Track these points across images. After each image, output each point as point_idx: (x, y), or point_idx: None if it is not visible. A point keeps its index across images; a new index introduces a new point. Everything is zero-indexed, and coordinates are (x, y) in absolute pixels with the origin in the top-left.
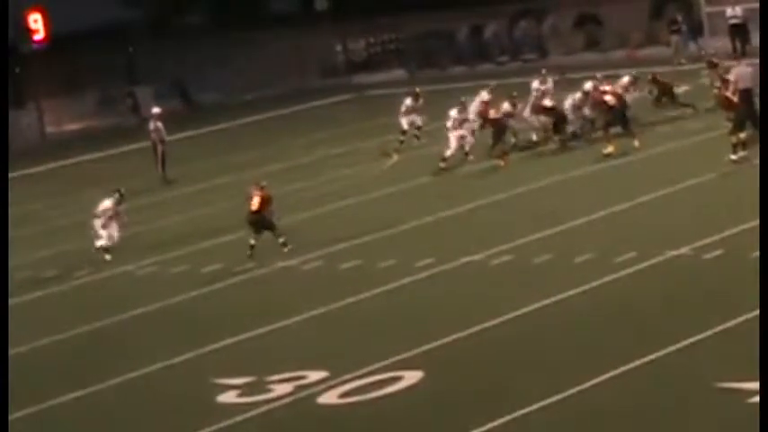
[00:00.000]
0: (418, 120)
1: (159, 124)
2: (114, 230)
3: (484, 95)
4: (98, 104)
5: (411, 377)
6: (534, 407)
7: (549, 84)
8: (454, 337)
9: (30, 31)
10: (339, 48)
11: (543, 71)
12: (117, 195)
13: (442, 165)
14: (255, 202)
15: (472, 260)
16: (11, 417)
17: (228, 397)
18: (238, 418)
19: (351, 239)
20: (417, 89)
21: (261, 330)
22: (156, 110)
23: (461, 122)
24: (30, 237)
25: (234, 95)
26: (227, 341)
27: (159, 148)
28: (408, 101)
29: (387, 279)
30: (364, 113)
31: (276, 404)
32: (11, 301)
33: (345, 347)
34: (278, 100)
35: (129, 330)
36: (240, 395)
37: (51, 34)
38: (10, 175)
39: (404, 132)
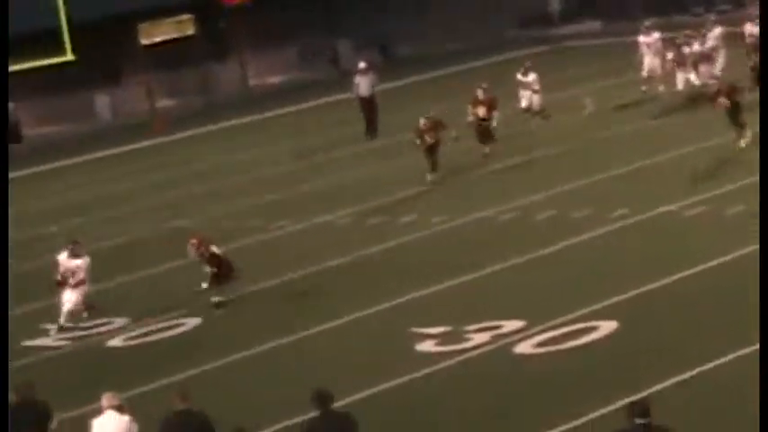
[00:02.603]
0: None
1: (362, 78)
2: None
3: None
4: (299, 58)
5: (606, 327)
6: (723, 360)
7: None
8: (649, 287)
9: None
10: None
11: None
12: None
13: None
14: (481, 111)
15: (668, 210)
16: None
17: (426, 346)
18: (436, 367)
19: (546, 190)
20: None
21: (457, 280)
22: (362, 65)
23: None
24: (233, 187)
25: (432, 47)
26: (424, 291)
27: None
28: None
29: (581, 229)
30: (560, 65)
31: (473, 353)
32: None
33: (541, 297)
34: (476, 52)
35: (329, 280)
36: (438, 344)
37: None
38: (215, 126)
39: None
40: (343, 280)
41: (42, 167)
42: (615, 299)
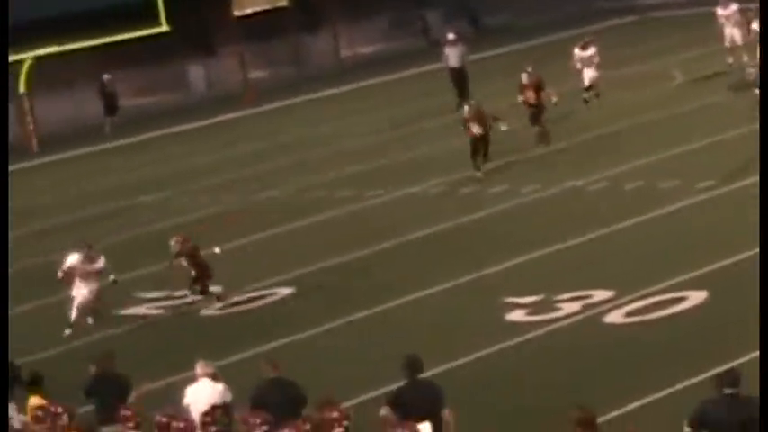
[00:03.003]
0: None
1: (451, 50)
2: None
3: None
4: (390, 28)
5: (696, 297)
6: None
7: None
8: (739, 257)
9: None
10: None
11: None
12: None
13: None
14: (530, 96)
15: (754, 181)
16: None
17: (517, 315)
18: (527, 336)
19: (634, 160)
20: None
21: (547, 250)
22: (450, 36)
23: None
24: (323, 158)
25: (520, 18)
26: (514, 261)
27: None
28: None
29: (669, 200)
30: (646, 35)
31: (564, 323)
32: (305, 221)
33: (631, 267)
34: (563, 22)
35: (419, 250)
36: (528, 314)
37: None
38: (306, 97)
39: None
40: (434, 250)
41: (136, 138)
42: (704, 269)
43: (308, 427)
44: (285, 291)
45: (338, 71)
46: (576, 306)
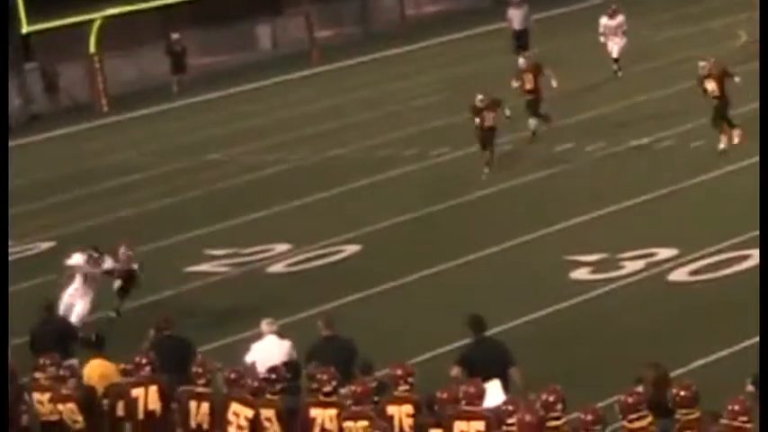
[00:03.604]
0: None
1: (515, 11)
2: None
3: None
4: None
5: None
6: None
7: None
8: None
9: None
10: None
11: None
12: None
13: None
14: (528, 82)
15: None
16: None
17: (581, 274)
18: (592, 294)
19: (699, 118)
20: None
21: (612, 208)
22: None
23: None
24: (390, 116)
25: None
26: (579, 219)
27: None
28: None
29: (734, 158)
30: None
31: (628, 281)
32: (371, 179)
33: (695, 225)
34: None
35: (485, 208)
36: (593, 272)
37: None
38: (372, 56)
39: None
40: (499, 208)
41: (203, 97)
42: None
43: (374, 384)
44: (352, 248)
45: (403, 30)
46: (639, 264)
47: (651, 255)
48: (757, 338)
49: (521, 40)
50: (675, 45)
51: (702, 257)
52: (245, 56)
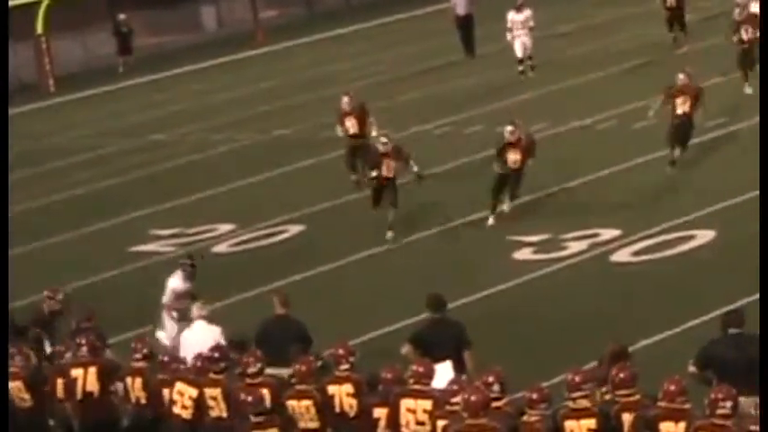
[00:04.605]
0: None
1: None
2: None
3: None
4: None
5: (703, 236)
6: None
7: None
8: (748, 196)
9: None
10: None
11: None
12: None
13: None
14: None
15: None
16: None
17: (524, 254)
18: (535, 275)
19: (642, 99)
20: None
21: (555, 188)
22: None
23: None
24: (334, 96)
25: None
26: (523, 199)
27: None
28: None
29: None
30: None
31: (570, 261)
32: (315, 160)
33: (639, 206)
34: None
35: (428, 188)
36: (536, 252)
37: None
38: (316, 36)
39: None
40: (441, 189)
41: (150, 77)
42: (713, 207)
43: (319, 363)
44: (296, 228)
45: (348, 10)
46: (582, 245)
47: (594, 235)
48: (701, 319)
49: (465, 26)
50: (618, 24)
51: (645, 238)
52: (191, 36)
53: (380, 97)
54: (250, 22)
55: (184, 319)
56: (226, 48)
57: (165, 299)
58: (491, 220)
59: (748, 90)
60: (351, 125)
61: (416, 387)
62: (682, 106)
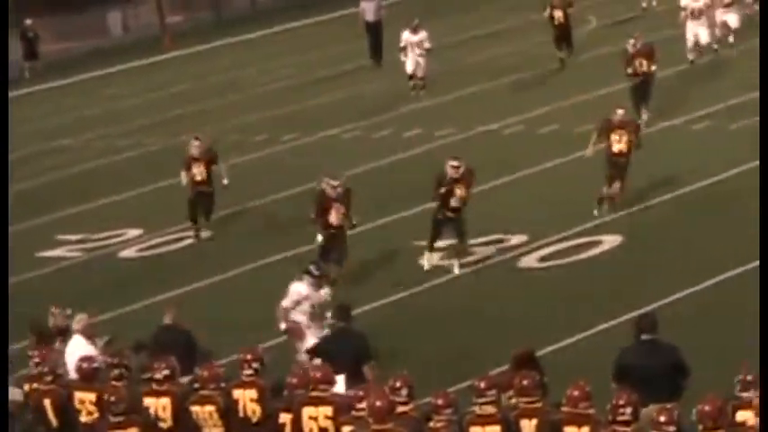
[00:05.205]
0: None
1: (367, 4)
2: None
3: None
4: None
5: (611, 242)
6: (727, 275)
7: None
8: (654, 201)
9: None
10: None
11: None
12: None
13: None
14: None
15: (672, 124)
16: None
17: (431, 260)
18: (442, 280)
19: (548, 105)
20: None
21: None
22: None
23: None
24: (241, 101)
25: None
26: (430, 204)
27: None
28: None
29: (585, 144)
30: None
31: (478, 266)
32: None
33: (546, 211)
34: None
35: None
36: (442, 258)
37: None
38: (224, 41)
39: None
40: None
41: (56, 83)
42: (620, 213)
43: (221, 370)
44: (202, 234)
45: (254, 16)
46: (489, 250)
47: (501, 241)
48: (609, 323)
49: (374, 32)
50: (522, 31)
51: (553, 243)
52: (97, 42)
53: (289, 102)
54: (156, 27)
55: (314, 320)
56: (133, 53)
57: (287, 302)
58: (426, 264)
59: (644, 117)
60: (198, 172)
61: (316, 394)
62: (618, 144)
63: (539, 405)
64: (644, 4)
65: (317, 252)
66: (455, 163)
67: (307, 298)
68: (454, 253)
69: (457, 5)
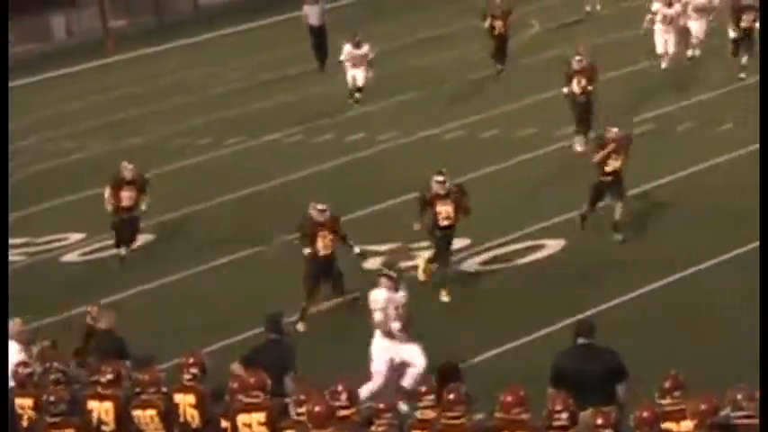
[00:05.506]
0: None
1: (310, 8)
2: None
3: None
4: None
5: (553, 246)
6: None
7: None
8: (601, 204)
9: None
10: None
11: None
12: None
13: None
14: None
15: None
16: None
17: (374, 263)
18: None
19: (489, 109)
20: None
21: (405, 197)
22: None
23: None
24: (185, 105)
25: None
26: (373, 207)
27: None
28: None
29: (526, 148)
30: None
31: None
32: (165, 169)
33: (487, 215)
34: None
35: (277, 198)
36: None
37: None
38: (167, 45)
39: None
40: (291, 197)
41: None
42: (563, 217)
43: (163, 374)
44: (145, 238)
45: (197, 19)
46: (431, 254)
47: None
48: (551, 328)
49: (318, 37)
50: (468, 34)
51: (495, 247)
52: (40, 46)
53: (232, 106)
54: (99, 31)
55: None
56: (76, 56)
57: (379, 315)
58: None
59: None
60: (127, 196)
61: (248, 400)
62: (613, 163)
63: (462, 421)
64: (588, 8)
65: (303, 286)
66: (440, 178)
67: (389, 301)
68: (441, 283)
69: (405, 4)
